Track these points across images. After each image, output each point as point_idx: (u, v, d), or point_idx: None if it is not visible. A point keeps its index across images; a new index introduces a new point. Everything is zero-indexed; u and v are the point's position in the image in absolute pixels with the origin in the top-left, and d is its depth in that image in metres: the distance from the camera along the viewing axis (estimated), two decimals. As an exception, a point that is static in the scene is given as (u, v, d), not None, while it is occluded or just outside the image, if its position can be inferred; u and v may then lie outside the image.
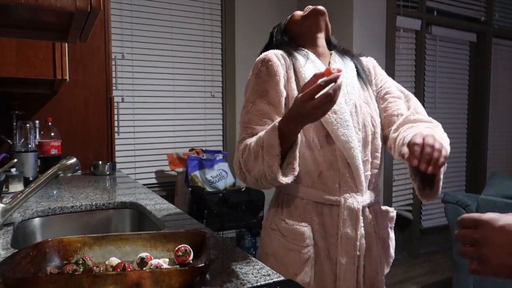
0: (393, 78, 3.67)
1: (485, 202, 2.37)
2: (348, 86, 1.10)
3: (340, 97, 1.04)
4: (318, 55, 1.16)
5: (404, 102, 1.16)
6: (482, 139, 4.09)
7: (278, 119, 0.94)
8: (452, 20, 3.82)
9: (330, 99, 0.80)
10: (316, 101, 0.81)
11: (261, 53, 1.15)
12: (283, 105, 1.06)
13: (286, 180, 0.93)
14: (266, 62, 1.08)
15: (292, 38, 1.21)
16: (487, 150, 4.14)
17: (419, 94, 3.62)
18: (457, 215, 2.47)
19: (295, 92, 1.07)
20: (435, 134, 0.90)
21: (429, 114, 1.11)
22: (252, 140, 1.00)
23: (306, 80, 1.00)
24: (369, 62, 1.24)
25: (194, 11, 3.05)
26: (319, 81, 0.80)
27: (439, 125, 1.07)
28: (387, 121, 1.14)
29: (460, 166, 4.12)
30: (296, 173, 0.94)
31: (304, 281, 1.04)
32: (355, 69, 1.17)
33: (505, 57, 4.27)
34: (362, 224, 1.06)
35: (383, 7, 3.27)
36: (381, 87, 1.20)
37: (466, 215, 0.61)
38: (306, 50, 1.15)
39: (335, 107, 1.02)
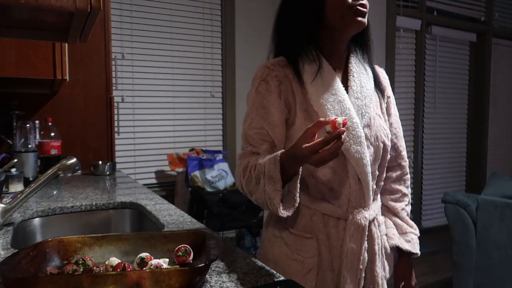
0: (393, 78, 3.66)
1: (485, 202, 2.37)
2: (366, 98, 1.05)
3: (353, 112, 1.01)
4: (335, 58, 1.07)
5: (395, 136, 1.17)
6: (482, 139, 4.09)
7: (280, 151, 0.93)
8: (452, 20, 3.82)
9: (334, 156, 0.83)
10: (319, 156, 0.83)
11: (273, 39, 1.09)
12: (283, 123, 1.03)
13: (286, 213, 0.93)
14: (266, 76, 1.02)
15: (324, 25, 1.04)
16: (487, 150, 4.14)
17: (419, 94, 3.62)
18: (457, 215, 2.47)
19: (302, 105, 1.02)
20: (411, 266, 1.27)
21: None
22: (254, 163, 0.98)
23: (313, 97, 1.00)
24: (383, 73, 1.18)
25: (194, 11, 3.05)
26: (325, 138, 0.82)
27: (408, 199, 1.22)
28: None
29: (460, 166, 4.12)
30: (297, 204, 0.94)
31: None
32: (373, 79, 1.10)
33: (505, 57, 4.28)
34: (366, 239, 1.05)
35: (383, 7, 3.27)
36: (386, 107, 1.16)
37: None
38: (320, 55, 1.04)
39: (347, 123, 1.01)
